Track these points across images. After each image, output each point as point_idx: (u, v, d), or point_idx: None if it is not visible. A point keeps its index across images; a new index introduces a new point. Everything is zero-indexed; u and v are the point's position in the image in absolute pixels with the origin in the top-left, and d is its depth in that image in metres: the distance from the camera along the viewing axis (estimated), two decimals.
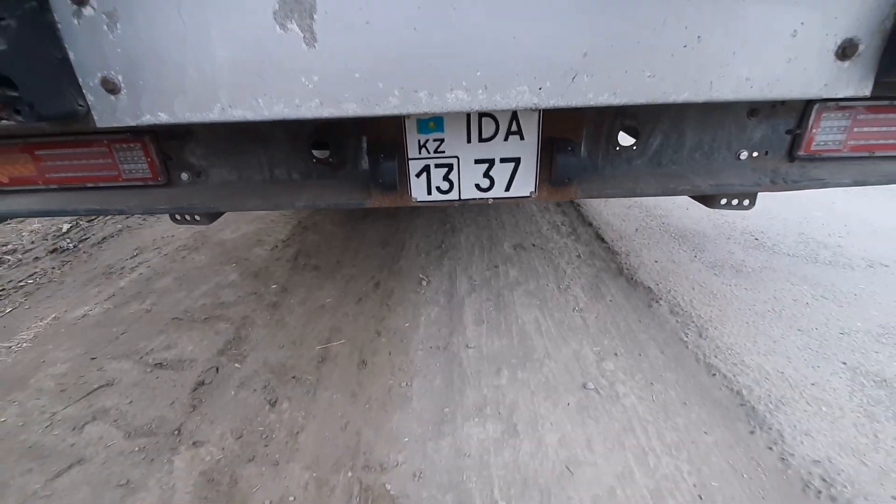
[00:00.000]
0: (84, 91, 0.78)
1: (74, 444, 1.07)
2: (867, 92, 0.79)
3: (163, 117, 0.81)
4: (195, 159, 1.16)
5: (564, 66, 0.75)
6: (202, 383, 1.24)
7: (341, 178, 1.15)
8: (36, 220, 2.43)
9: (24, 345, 1.42)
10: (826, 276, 1.66)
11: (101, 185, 1.18)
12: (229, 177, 1.19)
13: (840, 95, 0.78)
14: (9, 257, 2.02)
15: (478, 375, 1.23)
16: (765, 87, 0.78)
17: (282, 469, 1.00)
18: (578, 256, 1.87)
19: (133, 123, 0.81)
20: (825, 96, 0.79)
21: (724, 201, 1.20)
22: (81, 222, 2.42)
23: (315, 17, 0.72)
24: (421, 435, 1.07)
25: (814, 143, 1.08)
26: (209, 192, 1.17)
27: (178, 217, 1.25)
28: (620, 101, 0.78)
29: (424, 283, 1.70)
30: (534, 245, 1.96)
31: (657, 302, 1.54)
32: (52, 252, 2.09)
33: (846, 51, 0.74)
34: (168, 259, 1.98)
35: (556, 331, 1.41)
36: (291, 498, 0.94)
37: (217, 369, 1.29)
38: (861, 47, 0.75)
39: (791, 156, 1.11)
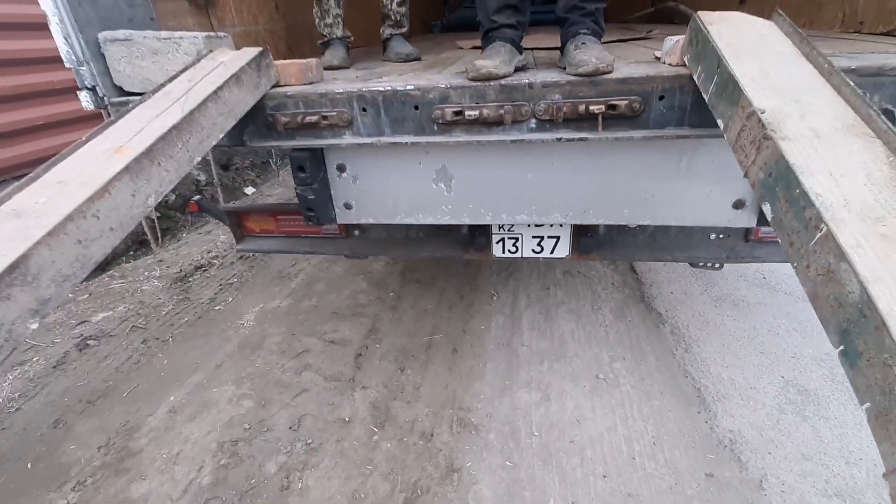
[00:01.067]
0: (336, 209, 1.58)
1: (299, 381, 1.92)
2: (753, 225, 1.38)
3: (371, 220, 1.60)
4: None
5: (580, 205, 1.43)
6: (360, 355, 2.06)
7: (450, 240, 1.89)
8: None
9: (251, 323, 2.34)
10: (805, 313, 2.15)
11: (310, 235, 2.01)
12: (382, 235, 1.97)
13: (735, 226, 1.39)
14: (215, 261, 3.02)
15: (528, 364, 1.94)
16: (693, 221, 1.41)
17: (412, 405, 1.77)
18: (612, 284, 2.48)
19: (356, 222, 1.60)
20: (728, 226, 1.40)
21: (700, 264, 1.78)
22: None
23: (452, 182, 1.45)
24: (491, 395, 1.80)
25: (760, 233, 1.65)
26: (370, 243, 1.96)
27: (348, 255, 2.07)
28: (612, 222, 1.44)
29: (495, 297, 2.42)
30: (579, 272, 2.60)
31: (663, 324, 2.14)
32: (240, 258, 3.06)
33: (737, 204, 1.35)
34: (317, 269, 2.86)
35: (586, 339, 2.07)
36: (420, 418, 1.71)
37: (366, 347, 2.10)
38: (746, 203, 1.34)
39: (746, 239, 1.68)
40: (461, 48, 2.54)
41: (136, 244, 4.14)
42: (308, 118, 1.36)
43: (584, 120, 1.21)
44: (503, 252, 1.78)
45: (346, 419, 1.72)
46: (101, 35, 1.42)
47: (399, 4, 1.96)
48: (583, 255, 1.71)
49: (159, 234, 3.58)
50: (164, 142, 1.01)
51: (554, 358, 1.96)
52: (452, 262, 2.70)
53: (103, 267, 3.82)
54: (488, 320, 2.23)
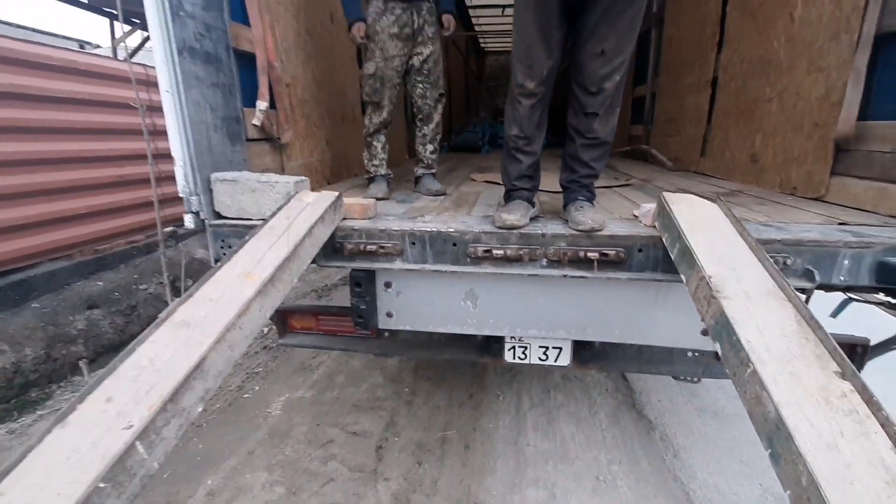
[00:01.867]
0: (379, 317, 1.91)
1: (326, 470, 2.09)
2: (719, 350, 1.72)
3: (408, 327, 1.92)
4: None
5: (580, 324, 1.77)
6: (380, 447, 2.25)
7: (467, 346, 2.19)
8: None
9: (278, 412, 2.54)
10: None
11: (344, 334, 2.30)
12: (408, 337, 2.28)
13: (706, 349, 1.73)
14: None
15: (535, 463, 2.14)
16: (670, 342, 1.75)
17: (431, 498, 1.94)
18: (606, 390, 2.74)
19: (395, 328, 1.92)
20: (700, 348, 1.74)
21: (681, 377, 2.08)
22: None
23: (477, 301, 1.81)
24: (503, 491, 1.98)
25: None
26: (397, 344, 2.26)
27: (377, 354, 2.35)
28: (605, 339, 1.78)
29: (501, 397, 2.66)
30: (576, 377, 2.87)
31: (653, 430, 2.37)
32: (263, 349, 3.31)
33: (704, 332, 1.70)
34: (336, 362, 3.11)
35: (585, 442, 2.29)
36: None
37: (386, 439, 2.30)
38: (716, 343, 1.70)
39: (717, 358, 2.00)
40: (475, 180, 3.07)
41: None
42: (368, 247, 1.75)
43: (583, 262, 1.60)
44: (514, 358, 2.08)
45: None
46: (214, 175, 1.86)
47: (431, 153, 2.47)
48: (581, 365, 2.01)
49: None
50: (279, 270, 1.38)
51: (558, 458, 2.16)
52: (468, 364, 2.96)
53: (117, 348, 4.03)
54: (496, 419, 2.45)
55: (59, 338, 3.63)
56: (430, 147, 2.45)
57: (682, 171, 3.55)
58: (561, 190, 1.86)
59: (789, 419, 0.82)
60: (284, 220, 1.62)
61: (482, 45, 8.00)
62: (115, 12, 6.50)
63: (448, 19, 2.33)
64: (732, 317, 1.11)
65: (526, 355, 2.07)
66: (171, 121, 1.76)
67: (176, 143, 1.79)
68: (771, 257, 1.28)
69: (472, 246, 1.67)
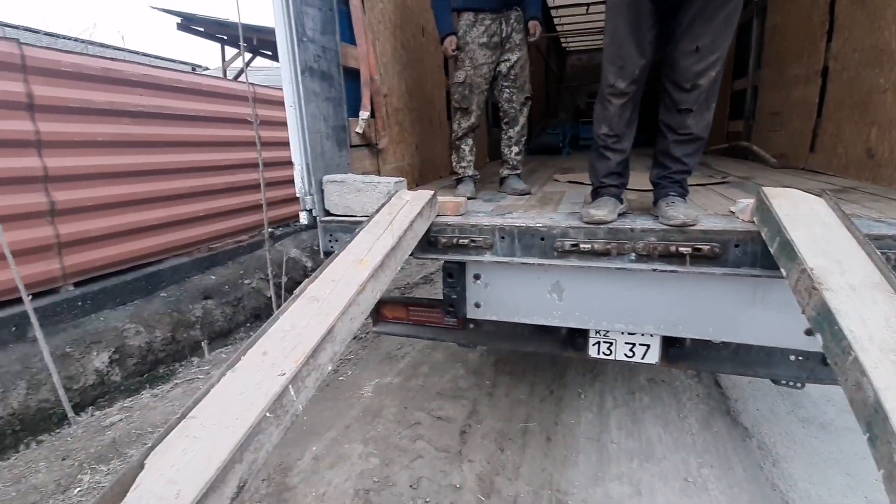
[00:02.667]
0: (467, 307, 2.04)
1: (414, 448, 2.26)
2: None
3: (494, 317, 2.03)
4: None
5: (670, 320, 1.77)
6: (464, 432, 2.38)
7: (550, 339, 2.25)
8: None
9: (369, 395, 2.77)
10: None
11: (432, 325, 2.46)
12: (492, 329, 2.39)
13: (811, 350, 1.64)
14: None
15: (618, 460, 2.14)
16: (770, 342, 1.69)
17: (513, 482, 2.03)
18: (697, 395, 2.65)
19: (482, 318, 2.04)
20: (804, 349, 1.66)
21: (783, 382, 1.98)
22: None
23: (563, 293, 1.87)
24: (585, 483, 2.01)
25: None
26: (482, 335, 2.38)
27: (462, 344, 2.49)
28: (698, 336, 1.76)
29: (582, 396, 2.67)
30: (663, 381, 2.80)
31: (750, 438, 2.26)
32: (353, 339, 3.59)
33: (809, 332, 1.62)
34: (419, 353, 3.30)
35: (673, 444, 2.24)
36: (522, 494, 1.95)
37: (469, 425, 2.42)
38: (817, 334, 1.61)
39: (824, 362, 1.88)
40: (558, 181, 3.11)
41: (252, 317, 4.91)
42: (461, 241, 1.89)
43: (674, 257, 1.61)
44: (598, 353, 2.11)
45: (457, 486, 2.01)
46: (325, 177, 2.11)
47: (516, 154, 2.57)
48: (670, 363, 1.99)
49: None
50: (386, 258, 1.56)
51: (643, 457, 2.14)
52: (551, 357, 3.01)
53: (226, 334, 4.56)
54: (577, 416, 2.48)
55: (181, 323, 4.20)
56: (515, 149, 2.56)
57: (789, 168, 3.32)
58: (650, 188, 1.87)
59: (887, 402, 0.83)
60: (387, 216, 1.81)
61: (563, 44, 7.94)
62: (225, 38, 7.39)
63: (534, 25, 2.42)
64: (835, 308, 1.10)
65: (611, 351, 2.09)
66: (293, 131, 2.04)
67: (296, 150, 2.07)
68: (882, 253, 1.23)
69: (560, 240, 1.75)
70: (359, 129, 2.36)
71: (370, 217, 1.81)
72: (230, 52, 8.03)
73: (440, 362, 3.11)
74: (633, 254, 1.66)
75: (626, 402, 2.58)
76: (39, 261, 3.32)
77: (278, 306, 4.44)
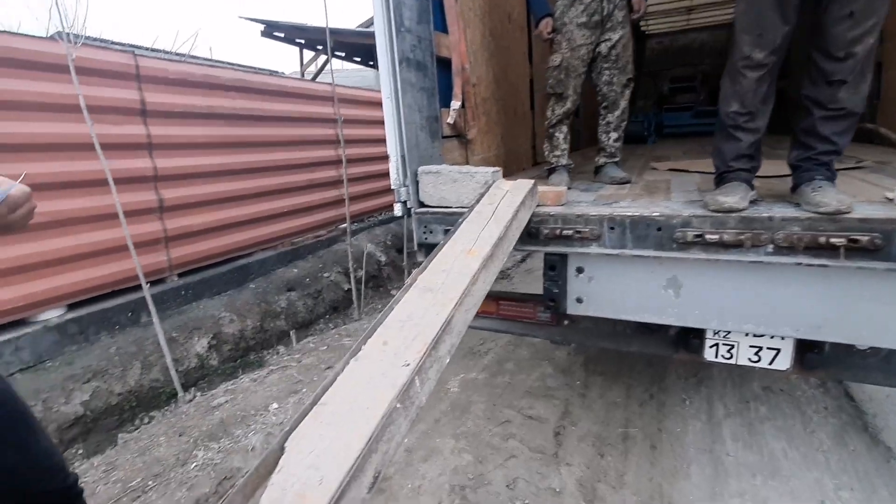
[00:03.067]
0: (568, 302, 1.93)
1: (507, 447, 2.19)
2: None
3: (598, 314, 1.90)
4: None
5: (813, 321, 1.55)
6: (558, 433, 2.27)
7: (657, 339, 2.08)
8: None
9: (456, 390, 2.73)
10: None
11: (523, 320, 2.37)
12: (590, 326, 2.26)
13: None
14: None
15: (737, 475, 1.93)
16: None
17: (618, 491, 1.90)
18: (825, 408, 2.34)
19: (583, 314, 1.93)
20: None
21: None
22: None
23: (681, 289, 1.71)
24: (701, 497, 1.84)
25: None
26: (578, 332, 2.25)
27: (555, 341, 2.38)
28: (849, 342, 1.52)
29: (687, 402, 2.46)
30: (781, 390, 2.51)
31: (895, 459, 1.96)
32: None
33: None
34: (503, 350, 3.22)
35: (801, 460, 1.99)
36: None
37: (563, 427, 2.31)
38: None
39: None
40: (657, 169, 2.89)
41: (330, 309, 5.07)
42: (564, 231, 1.78)
43: (824, 249, 1.40)
44: (716, 356, 1.91)
45: (557, 490, 1.91)
46: (420, 168, 2.08)
47: (615, 140, 2.41)
48: (805, 370, 1.76)
49: (360, 305, 4.39)
50: (495, 248, 1.49)
51: (767, 474, 1.92)
52: (647, 359, 2.82)
53: (308, 324, 4.75)
54: (684, 423, 2.28)
55: (268, 313, 4.42)
56: (613, 135, 2.39)
57: None
58: (782, 174, 1.65)
59: None
60: (489, 206, 1.74)
61: (642, 28, 7.47)
62: (303, 42, 7.71)
63: (639, 1, 2.24)
64: None
65: (732, 354, 1.88)
66: (390, 122, 2.03)
67: (392, 141, 2.06)
68: None
69: (681, 231, 1.59)
70: (450, 120, 2.32)
71: (471, 207, 1.75)
72: (307, 55, 8.38)
73: (525, 359, 3.01)
74: (771, 245, 1.47)
75: (740, 412, 2.34)
76: (151, 253, 3.63)
77: (358, 299, 4.56)
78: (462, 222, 1.64)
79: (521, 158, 3.38)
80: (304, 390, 2.74)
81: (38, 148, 2.89)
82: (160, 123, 3.71)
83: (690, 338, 1.91)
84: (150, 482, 2.06)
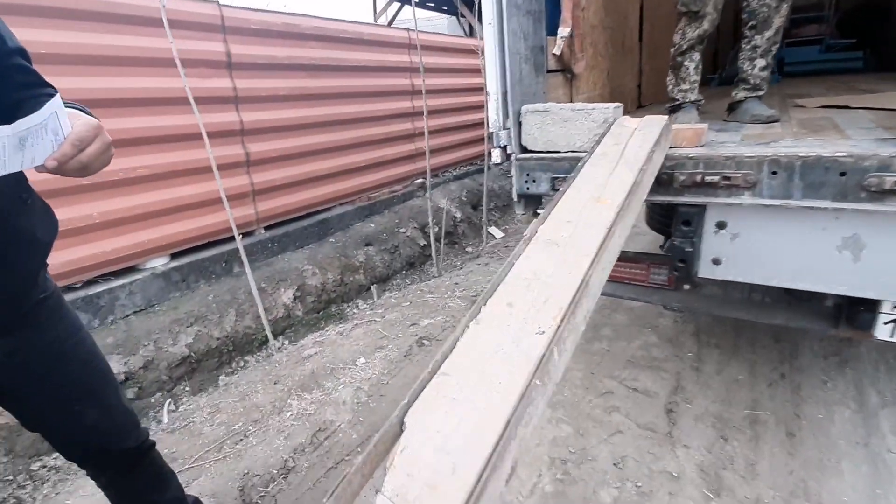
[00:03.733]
0: (701, 264, 1.63)
1: (610, 420, 1.99)
2: None
3: (739, 278, 1.59)
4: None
5: None
6: (671, 410, 2.03)
7: (809, 311, 1.73)
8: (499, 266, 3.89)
9: None
10: None
11: (635, 283, 2.09)
12: (717, 292, 1.94)
13: None
14: None
15: None
16: None
17: (749, 482, 1.64)
18: None
19: (720, 278, 1.62)
20: None
21: None
22: None
23: (863, 251, 1.35)
24: (857, 499, 1.54)
25: None
26: (702, 299, 1.94)
27: (674, 308, 2.09)
28: None
29: (829, 385, 2.09)
30: None
31: None
32: None
33: None
34: (597, 314, 2.95)
35: None
36: (766, 500, 1.57)
37: (676, 403, 2.06)
38: None
39: None
40: (803, 106, 2.39)
41: (406, 265, 5.03)
42: (707, 178, 1.47)
43: None
44: (891, 336, 1.55)
45: (674, 474, 1.70)
46: (524, 107, 1.81)
47: (762, 69, 1.96)
48: None
49: (439, 261, 4.29)
50: (629, 196, 1.23)
51: None
52: (772, 331, 2.44)
53: (385, 279, 4.74)
54: (827, 410, 1.94)
55: (348, 267, 4.45)
56: (760, 62, 1.95)
57: None
58: None
59: None
60: (614, 147, 1.46)
61: None
62: None
63: None
64: None
65: None
66: (491, 53, 1.77)
67: (492, 76, 1.81)
68: None
69: (875, 176, 1.23)
70: (556, 50, 2.01)
71: (591, 149, 1.48)
72: (380, 3, 8.10)
73: (624, 326, 2.75)
74: None
75: None
76: (241, 206, 3.72)
77: (437, 255, 4.46)
78: (583, 166, 1.39)
79: (627, 99, 2.96)
80: (390, 346, 2.70)
81: (134, 103, 2.96)
82: (245, 76, 3.69)
83: (859, 311, 1.55)
84: (250, 427, 2.13)
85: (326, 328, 3.26)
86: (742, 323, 2.65)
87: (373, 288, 4.08)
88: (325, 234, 4.70)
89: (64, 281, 2.64)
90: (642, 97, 3.24)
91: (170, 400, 2.51)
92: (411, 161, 5.71)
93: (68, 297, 2.64)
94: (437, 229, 4.75)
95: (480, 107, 6.18)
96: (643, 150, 1.39)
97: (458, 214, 5.96)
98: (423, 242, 5.06)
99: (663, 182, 1.54)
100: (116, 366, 2.52)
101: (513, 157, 1.87)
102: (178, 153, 3.19)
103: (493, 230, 5.48)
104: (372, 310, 3.47)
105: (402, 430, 0.76)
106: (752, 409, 1.98)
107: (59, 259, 2.59)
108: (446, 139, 6.26)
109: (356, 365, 2.51)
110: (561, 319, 0.90)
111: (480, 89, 5.97)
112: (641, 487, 1.65)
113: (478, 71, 5.66)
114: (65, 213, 2.54)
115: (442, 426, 0.74)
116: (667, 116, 1.54)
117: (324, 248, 4.47)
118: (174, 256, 3.34)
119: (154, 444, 1.32)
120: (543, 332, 0.87)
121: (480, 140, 6.55)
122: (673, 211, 1.63)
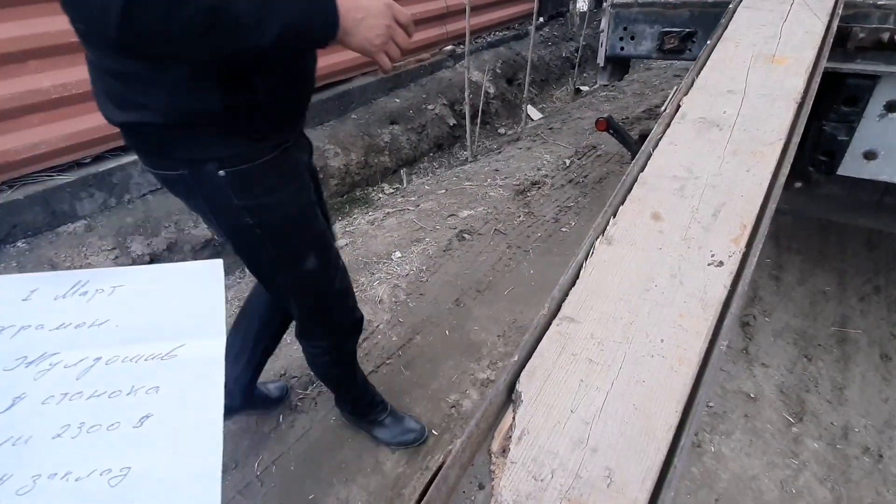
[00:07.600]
0: (847, 157, 1.26)
1: None
2: None
3: (884, 178, 1.23)
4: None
5: None
6: (747, 323, 1.81)
7: None
8: (545, 151, 3.48)
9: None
10: None
11: None
12: (839, 193, 1.59)
13: None
14: (546, 180, 3.06)
15: None
16: None
17: (836, 408, 1.48)
18: None
19: (870, 177, 1.26)
20: None
21: None
22: (578, 161, 3.33)
23: None
24: None
25: None
26: (819, 201, 1.61)
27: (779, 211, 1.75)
28: None
29: None
30: None
31: None
32: (569, 182, 3.04)
33: None
34: None
35: None
36: (855, 428, 1.41)
37: (753, 316, 1.84)
38: None
39: None
40: None
41: (434, 147, 4.61)
42: None
43: None
44: None
45: (751, 395, 1.53)
46: None
47: None
48: None
49: (473, 144, 3.87)
50: (821, 52, 0.84)
51: None
52: (886, 240, 2.11)
53: (412, 162, 4.38)
54: None
55: (372, 147, 4.07)
56: None
57: None
58: None
59: None
60: None
61: None
62: None
63: None
64: None
65: None
66: None
67: None
68: None
69: None
70: None
71: None
72: None
73: None
74: None
75: None
76: None
77: (472, 136, 4.02)
78: (737, 8, 0.96)
79: None
80: (427, 239, 2.47)
81: None
82: None
83: None
84: None
85: (354, 215, 3.02)
86: (829, 226, 2.31)
87: (402, 172, 3.75)
88: (346, 110, 4.23)
89: (68, 157, 2.38)
90: None
91: None
92: (439, 23, 4.91)
93: (78, 174, 2.40)
94: (475, 107, 4.23)
95: None
96: None
97: (492, 90, 5.31)
98: (452, 122, 4.57)
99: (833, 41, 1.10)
100: (140, 248, 2.38)
101: (606, 4, 1.40)
102: None
103: (531, 110, 4.90)
104: (403, 197, 3.18)
105: (513, 402, 0.53)
106: (840, 327, 1.75)
107: (60, 132, 2.29)
108: None
109: (392, 259, 2.31)
110: (747, 244, 0.61)
111: None
112: (714, 408, 1.50)
113: None
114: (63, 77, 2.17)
115: (577, 404, 0.50)
116: None
117: (345, 126, 4.05)
118: None
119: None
120: (721, 263, 0.59)
121: None
122: (829, 83, 1.21)
